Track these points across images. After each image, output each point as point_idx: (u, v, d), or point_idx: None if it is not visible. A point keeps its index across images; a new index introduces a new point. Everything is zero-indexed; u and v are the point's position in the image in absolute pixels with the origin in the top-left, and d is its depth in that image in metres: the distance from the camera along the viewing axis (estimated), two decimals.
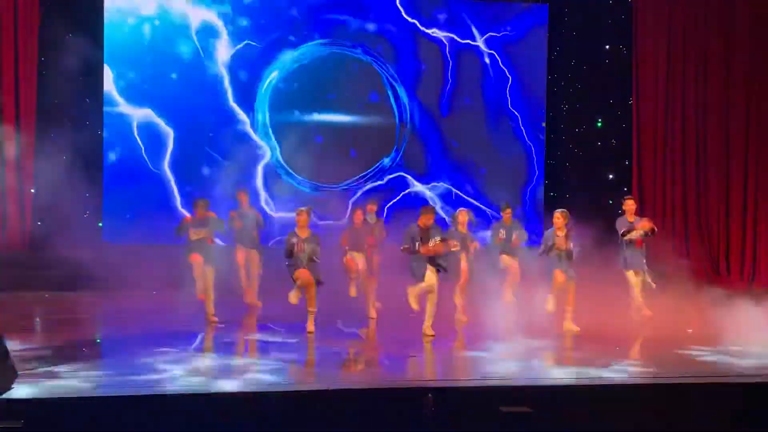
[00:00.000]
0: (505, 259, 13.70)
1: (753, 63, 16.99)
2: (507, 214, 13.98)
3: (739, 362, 10.06)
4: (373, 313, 12.69)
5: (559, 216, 11.95)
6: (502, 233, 13.81)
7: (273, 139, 16.48)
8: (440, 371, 10.07)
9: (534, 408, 8.06)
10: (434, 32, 17.04)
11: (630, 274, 12.64)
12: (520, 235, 13.69)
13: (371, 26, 16.85)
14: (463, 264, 12.54)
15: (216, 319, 12.02)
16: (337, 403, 8.21)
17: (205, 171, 15.95)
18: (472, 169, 17.24)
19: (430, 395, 8.01)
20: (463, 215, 12.85)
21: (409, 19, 16.95)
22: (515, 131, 17.34)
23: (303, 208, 11.66)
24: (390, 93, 16.96)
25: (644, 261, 12.72)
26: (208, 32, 16.17)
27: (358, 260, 12.83)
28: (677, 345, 11.04)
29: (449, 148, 17.18)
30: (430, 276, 11.27)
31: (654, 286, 12.68)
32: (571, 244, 11.86)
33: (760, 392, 9.01)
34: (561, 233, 11.87)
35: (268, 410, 7.99)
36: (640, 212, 16.84)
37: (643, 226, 12.63)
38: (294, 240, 11.32)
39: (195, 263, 12.08)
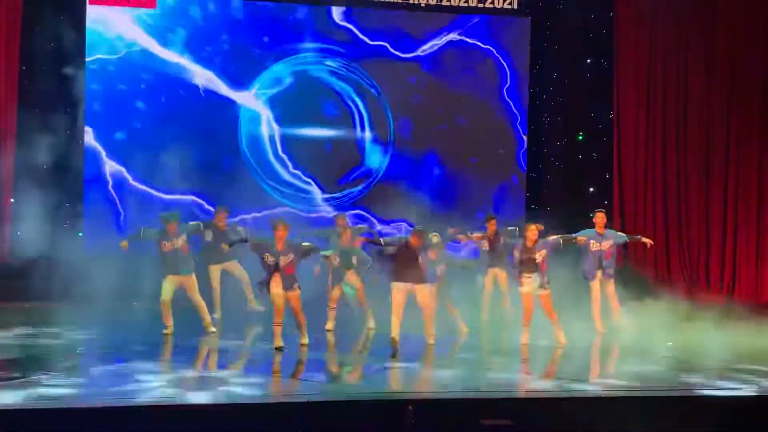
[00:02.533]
0: (491, 275, 13.76)
1: (734, 78, 17.11)
2: (491, 225, 13.95)
3: (715, 375, 10.13)
4: (330, 325, 12.66)
5: (533, 229, 11.89)
6: (486, 245, 13.83)
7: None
8: (421, 383, 10.07)
9: (515, 421, 8.07)
10: (412, 46, 17.05)
11: (593, 285, 12.79)
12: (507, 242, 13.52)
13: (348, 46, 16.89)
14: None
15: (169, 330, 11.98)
16: (317, 415, 8.20)
17: (190, 180, 15.89)
18: (452, 181, 17.24)
19: (410, 407, 8.01)
20: (434, 239, 12.79)
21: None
22: (496, 144, 17.36)
23: (278, 220, 11.44)
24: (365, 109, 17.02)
25: (611, 270, 12.84)
26: (189, 45, 16.18)
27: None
28: (657, 358, 11.09)
29: (429, 163, 17.18)
30: (423, 293, 11.32)
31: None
32: (542, 252, 11.84)
33: (739, 405, 9.07)
34: (529, 244, 11.81)
35: (247, 423, 7.97)
36: (622, 225, 16.98)
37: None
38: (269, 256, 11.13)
39: (164, 290, 11.97)
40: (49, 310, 13.36)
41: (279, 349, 11.08)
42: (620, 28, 17.43)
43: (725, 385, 9.60)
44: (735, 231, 17.18)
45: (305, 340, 11.37)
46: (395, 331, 11.10)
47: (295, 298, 11.19)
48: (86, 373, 9.63)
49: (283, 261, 11.08)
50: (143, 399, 8.39)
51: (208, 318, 12.17)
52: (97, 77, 15.75)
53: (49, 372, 9.35)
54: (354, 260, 12.47)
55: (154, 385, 9.00)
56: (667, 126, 17.39)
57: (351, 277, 12.51)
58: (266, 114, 16.51)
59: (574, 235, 12.74)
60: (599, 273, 12.92)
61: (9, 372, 9.21)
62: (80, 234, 15.42)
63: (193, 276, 12.15)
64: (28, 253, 14.14)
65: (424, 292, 11.34)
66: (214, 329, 12.09)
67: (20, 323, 12.68)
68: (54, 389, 8.58)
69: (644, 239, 13.39)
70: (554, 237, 12.02)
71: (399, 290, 11.25)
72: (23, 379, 8.93)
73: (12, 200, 15.21)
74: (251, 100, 16.43)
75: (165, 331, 11.93)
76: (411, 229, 11.64)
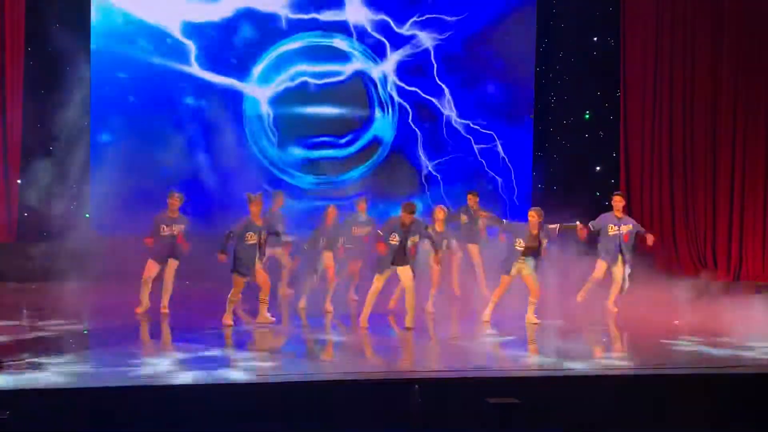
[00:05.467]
0: (471, 249, 13.85)
1: (742, 55, 17.01)
2: (471, 200, 13.94)
3: (722, 353, 10.13)
4: (329, 307, 12.66)
5: (534, 214, 11.87)
6: (465, 218, 13.83)
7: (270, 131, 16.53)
8: (426, 363, 10.07)
9: (521, 399, 8.07)
10: (417, 25, 16.98)
11: (600, 263, 12.73)
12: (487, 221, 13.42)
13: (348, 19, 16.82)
14: (435, 264, 12.41)
15: (167, 310, 12.05)
16: (324, 394, 8.21)
17: (197, 161, 15.87)
18: (458, 160, 17.23)
19: (416, 386, 8.02)
20: (440, 212, 12.76)
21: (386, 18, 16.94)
22: (502, 123, 17.33)
23: (255, 195, 11.42)
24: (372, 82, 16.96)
25: (629, 255, 12.79)
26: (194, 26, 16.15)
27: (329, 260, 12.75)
28: (662, 336, 11.09)
29: (435, 141, 17.16)
30: (407, 274, 11.31)
31: (626, 285, 12.79)
32: (543, 241, 11.85)
33: (744, 383, 9.06)
34: (534, 231, 11.83)
35: (252, 402, 7.98)
36: (628, 204, 16.92)
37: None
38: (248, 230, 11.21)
39: (151, 269, 12.02)
40: (56, 291, 13.39)
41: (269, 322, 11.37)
42: (627, 6, 17.35)
43: (727, 363, 9.63)
44: (742, 210, 17.12)
45: (270, 318, 11.51)
46: (365, 315, 11.22)
47: (266, 275, 11.43)
48: (92, 354, 9.64)
49: (263, 237, 11.21)
50: (148, 379, 8.41)
51: (165, 301, 12.18)
52: (102, 58, 15.72)
53: (55, 353, 9.38)
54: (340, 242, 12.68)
55: (160, 365, 9.03)
56: (674, 104, 17.32)
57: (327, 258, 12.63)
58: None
59: (590, 224, 12.70)
60: (619, 257, 12.80)
61: (15, 353, 9.23)
62: (87, 215, 15.43)
63: (177, 262, 12.16)
64: (34, 234, 14.17)
65: (407, 273, 11.33)
66: (167, 311, 12.09)
67: (26, 304, 12.72)
68: (60, 369, 8.59)
69: (648, 235, 13.09)
70: (554, 225, 12.03)
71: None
72: (29, 361, 8.95)
73: (19, 181, 15.23)
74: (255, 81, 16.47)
75: (139, 309, 12.00)
76: (402, 204, 11.52)
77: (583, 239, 12.51)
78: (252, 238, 11.19)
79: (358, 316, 11.47)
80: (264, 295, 11.41)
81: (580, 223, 12.49)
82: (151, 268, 12.01)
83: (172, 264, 12.08)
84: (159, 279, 12.15)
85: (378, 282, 11.31)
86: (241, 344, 10.55)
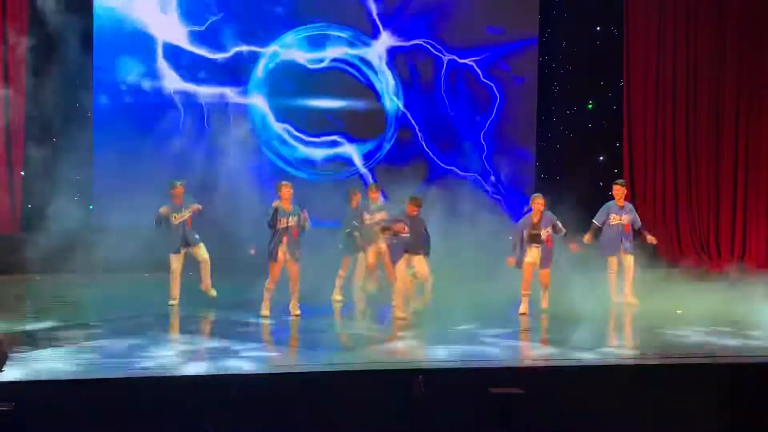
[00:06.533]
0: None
1: (744, 45, 17.00)
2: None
3: (726, 342, 10.14)
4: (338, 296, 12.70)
5: (539, 202, 11.86)
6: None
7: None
8: (430, 353, 10.09)
9: (525, 389, 8.08)
10: (415, 18, 16.97)
11: (611, 259, 12.67)
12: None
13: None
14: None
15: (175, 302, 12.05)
16: (327, 384, 8.23)
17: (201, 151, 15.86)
18: (463, 150, 17.22)
19: (420, 377, 8.03)
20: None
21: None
22: (504, 113, 17.30)
23: (286, 182, 11.48)
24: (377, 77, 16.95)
25: (630, 244, 12.70)
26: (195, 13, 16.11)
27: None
28: (666, 326, 11.09)
29: (436, 131, 17.15)
30: (422, 265, 11.35)
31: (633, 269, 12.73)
32: (543, 230, 11.83)
33: (748, 372, 9.07)
34: (535, 219, 11.83)
35: (254, 392, 8.00)
36: (632, 194, 16.92)
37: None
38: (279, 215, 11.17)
39: (174, 263, 12.04)
40: (60, 283, 13.41)
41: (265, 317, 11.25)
42: None
43: (730, 353, 9.64)
44: (745, 198, 17.13)
45: (297, 311, 11.39)
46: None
47: (296, 267, 11.29)
48: (97, 346, 9.66)
49: (291, 221, 11.18)
50: (154, 370, 8.43)
51: (209, 281, 12.19)
52: (106, 45, 15.68)
53: (60, 344, 9.40)
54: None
55: (166, 356, 9.05)
56: (677, 94, 17.31)
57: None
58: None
59: (594, 219, 12.71)
60: (620, 247, 12.71)
61: (19, 345, 9.25)
62: (91, 207, 15.44)
63: (202, 244, 12.20)
64: (38, 226, 14.20)
65: (421, 264, 11.38)
66: (214, 292, 12.14)
67: (31, 296, 12.74)
68: (65, 360, 8.62)
69: (650, 237, 12.91)
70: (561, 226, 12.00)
71: (401, 260, 11.31)
72: (33, 352, 8.98)
73: (23, 173, 15.25)
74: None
75: (171, 303, 12.01)
76: (409, 197, 11.58)
77: (589, 241, 12.54)
78: (281, 223, 11.17)
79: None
80: (270, 284, 11.39)
81: (586, 236, 12.61)
82: (174, 261, 12.04)
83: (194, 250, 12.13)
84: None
85: (401, 267, 11.33)
86: (241, 336, 10.59)
